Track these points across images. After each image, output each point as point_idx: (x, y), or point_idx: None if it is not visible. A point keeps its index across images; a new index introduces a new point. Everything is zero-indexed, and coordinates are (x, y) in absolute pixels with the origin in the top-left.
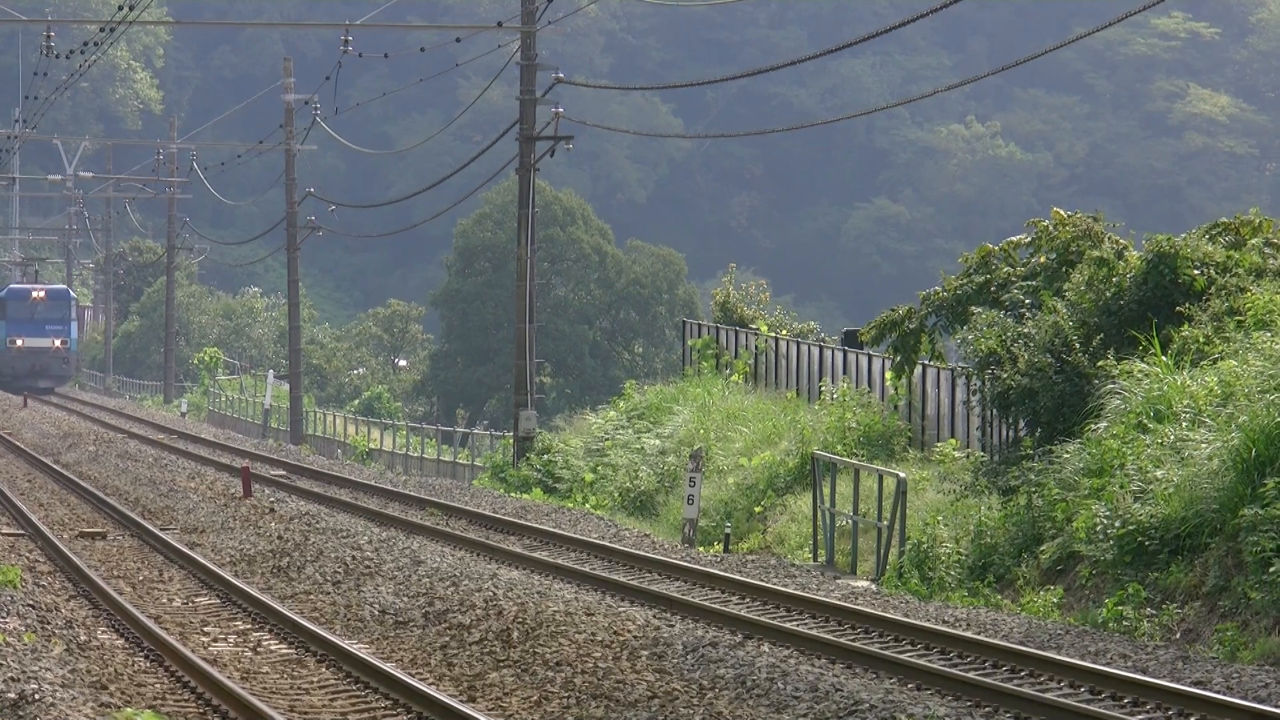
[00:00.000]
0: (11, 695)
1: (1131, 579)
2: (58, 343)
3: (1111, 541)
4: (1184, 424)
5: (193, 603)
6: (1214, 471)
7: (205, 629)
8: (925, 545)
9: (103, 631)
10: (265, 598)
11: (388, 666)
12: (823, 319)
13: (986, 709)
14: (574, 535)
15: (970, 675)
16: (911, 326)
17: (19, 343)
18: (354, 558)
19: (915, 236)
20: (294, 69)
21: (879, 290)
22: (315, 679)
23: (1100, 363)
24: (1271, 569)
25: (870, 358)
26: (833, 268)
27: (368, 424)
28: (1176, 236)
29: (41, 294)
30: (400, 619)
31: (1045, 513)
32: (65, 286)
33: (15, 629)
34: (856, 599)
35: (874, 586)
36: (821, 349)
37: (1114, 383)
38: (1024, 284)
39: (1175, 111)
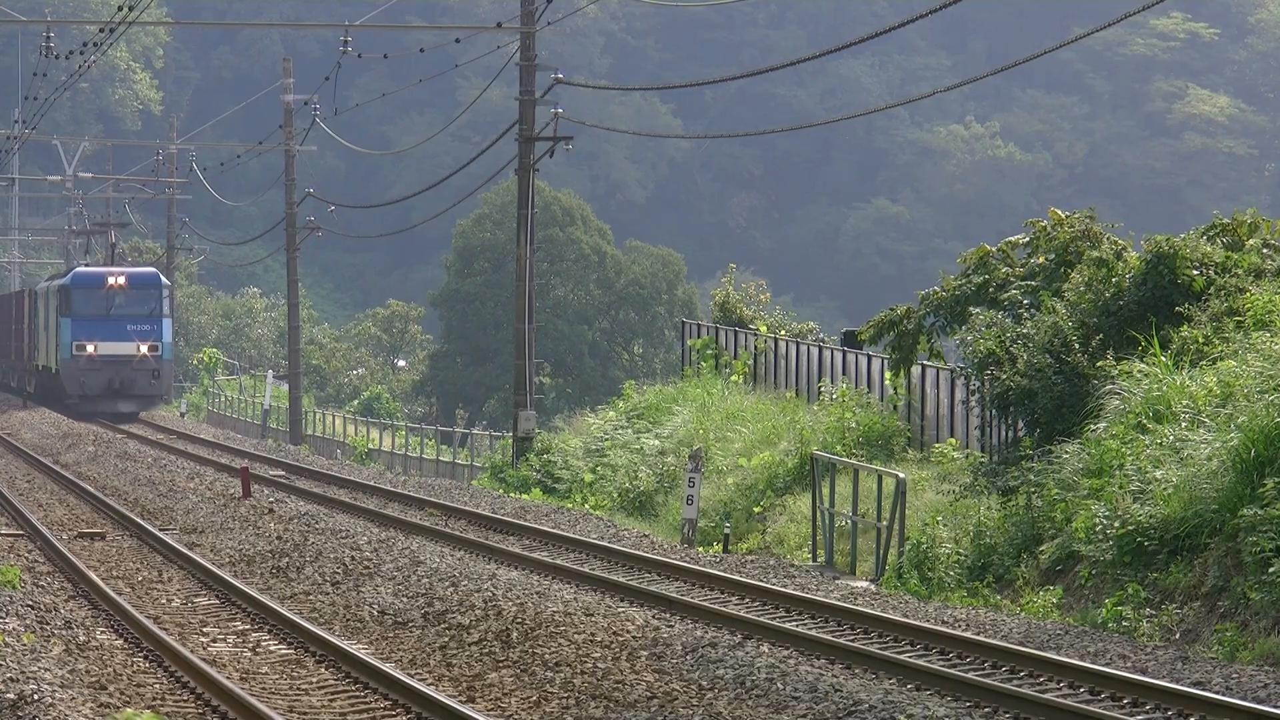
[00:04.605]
0: (11, 696)
1: (1131, 579)
2: (144, 348)
3: (1111, 542)
4: (1183, 424)
5: (192, 603)
6: (1213, 472)
7: (204, 629)
8: (925, 545)
9: (102, 632)
10: (264, 598)
11: (387, 667)
12: (822, 319)
13: (986, 709)
14: (573, 536)
15: (970, 676)
16: (909, 326)
17: (90, 349)
18: (353, 558)
19: (914, 237)
20: (293, 69)
21: (878, 290)
22: (314, 679)
23: (1099, 363)
24: (1271, 569)
25: (870, 358)
26: (832, 268)
27: (367, 424)
28: (1175, 237)
29: (121, 280)
30: (399, 619)
31: (1045, 513)
32: (154, 269)
33: (14, 629)
34: (856, 599)
35: (873, 587)
36: (821, 349)
37: (1113, 383)
38: (1023, 284)
39: (1174, 112)
